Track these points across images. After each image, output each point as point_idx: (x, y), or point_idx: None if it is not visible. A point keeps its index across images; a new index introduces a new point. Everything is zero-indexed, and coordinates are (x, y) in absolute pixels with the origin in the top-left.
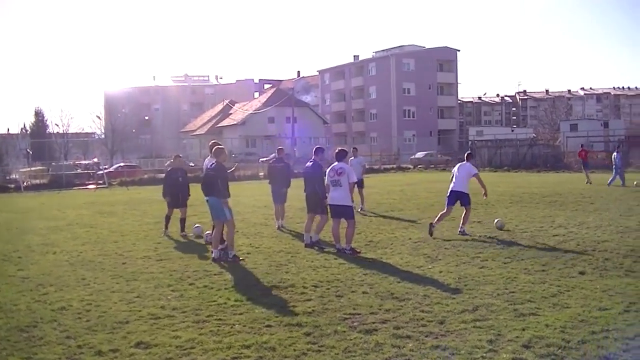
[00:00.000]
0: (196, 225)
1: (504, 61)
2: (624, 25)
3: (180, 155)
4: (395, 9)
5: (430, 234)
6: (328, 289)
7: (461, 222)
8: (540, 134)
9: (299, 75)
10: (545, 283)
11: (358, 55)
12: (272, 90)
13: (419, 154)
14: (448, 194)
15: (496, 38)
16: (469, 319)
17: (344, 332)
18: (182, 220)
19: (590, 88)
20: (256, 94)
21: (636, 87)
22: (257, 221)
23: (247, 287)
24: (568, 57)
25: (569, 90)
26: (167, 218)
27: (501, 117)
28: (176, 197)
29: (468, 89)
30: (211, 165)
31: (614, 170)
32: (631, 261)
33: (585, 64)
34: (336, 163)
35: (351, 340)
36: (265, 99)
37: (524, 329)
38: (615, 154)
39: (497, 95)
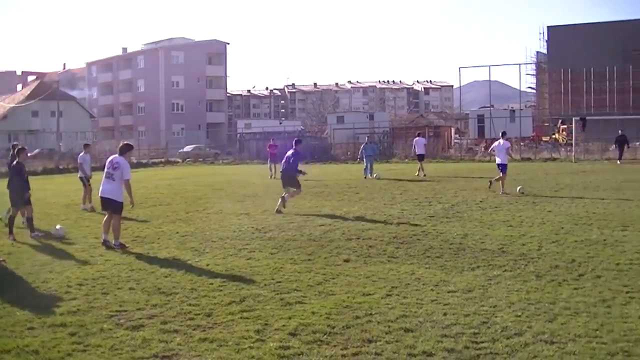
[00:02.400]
0: (58, 226)
1: (273, 55)
2: (388, 22)
3: (25, 147)
4: (164, 1)
5: (504, 193)
6: (94, 286)
7: (502, 186)
8: (308, 127)
9: (64, 68)
10: (311, 272)
11: (126, 48)
12: (36, 83)
13: (188, 148)
14: (500, 167)
15: (265, 32)
16: (236, 310)
17: (110, 329)
18: (30, 220)
19: (357, 82)
20: (19, 87)
21: (400, 81)
22: (18, 219)
23: (8, 288)
24: (336, 52)
25: (337, 84)
26: (12, 220)
27: (270, 110)
28: (22, 195)
29: (237, 82)
30: None
31: (364, 161)
32: (394, 247)
33: (353, 59)
34: (115, 155)
35: (117, 337)
36: (28, 92)
37: (290, 318)
38: (363, 145)
39: (267, 88)
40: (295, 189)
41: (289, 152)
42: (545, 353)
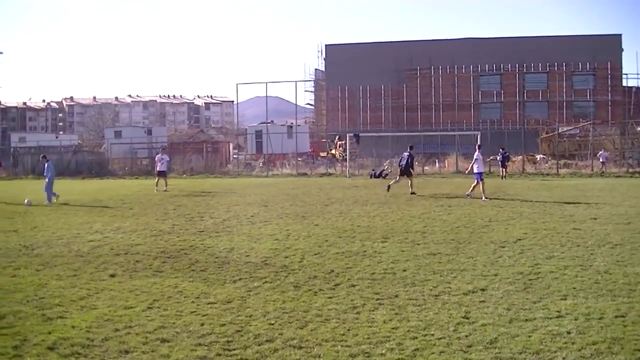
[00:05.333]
0: None
1: (50, 67)
2: (168, 36)
3: None
4: None
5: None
6: None
7: (470, 190)
8: (85, 141)
9: None
10: (76, 287)
11: None
12: None
13: None
14: (477, 175)
15: (42, 43)
16: None
17: None
18: None
19: (138, 95)
20: None
21: (181, 96)
22: None
23: None
24: (116, 65)
25: (117, 98)
26: None
27: (47, 123)
28: None
29: (12, 94)
30: None
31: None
32: (160, 262)
33: (133, 72)
34: None
35: None
36: None
37: (50, 332)
38: (46, 164)
39: (43, 101)
40: (410, 179)
41: (405, 154)
42: (293, 357)
